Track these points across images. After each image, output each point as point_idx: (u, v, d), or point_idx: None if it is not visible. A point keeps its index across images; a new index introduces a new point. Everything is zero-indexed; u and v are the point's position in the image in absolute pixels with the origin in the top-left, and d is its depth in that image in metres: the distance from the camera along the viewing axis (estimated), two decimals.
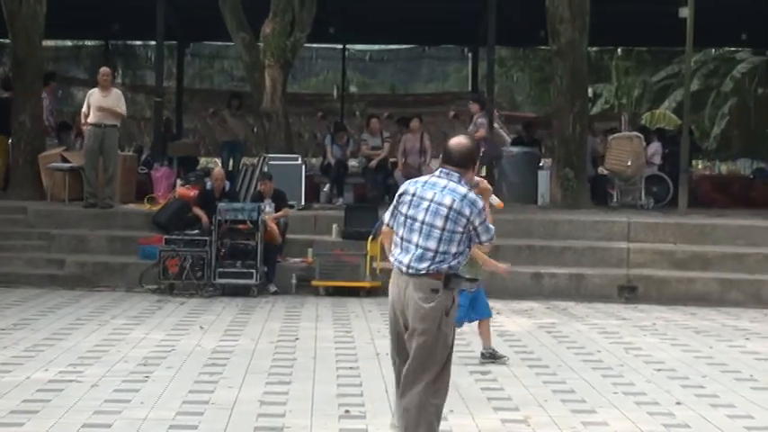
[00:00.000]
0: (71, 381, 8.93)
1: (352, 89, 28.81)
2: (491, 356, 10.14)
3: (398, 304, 6.53)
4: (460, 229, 6.40)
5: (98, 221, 16.63)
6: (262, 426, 7.58)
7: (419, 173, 19.36)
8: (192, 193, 16.61)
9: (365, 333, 11.80)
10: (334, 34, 22.98)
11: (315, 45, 25.69)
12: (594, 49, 27.64)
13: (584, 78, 19.09)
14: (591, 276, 15.03)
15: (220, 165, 21.01)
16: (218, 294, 14.60)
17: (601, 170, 20.54)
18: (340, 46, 26.57)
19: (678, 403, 8.52)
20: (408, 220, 6.50)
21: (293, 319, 12.84)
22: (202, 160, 24.48)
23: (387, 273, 14.81)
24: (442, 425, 6.82)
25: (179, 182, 18.03)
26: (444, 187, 6.46)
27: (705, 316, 13.57)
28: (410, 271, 6.43)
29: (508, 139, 25.59)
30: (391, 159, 19.91)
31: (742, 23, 22.46)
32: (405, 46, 27.98)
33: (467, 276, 9.53)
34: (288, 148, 18.71)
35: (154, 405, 8.13)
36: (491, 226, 6.57)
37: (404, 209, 6.54)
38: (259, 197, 15.87)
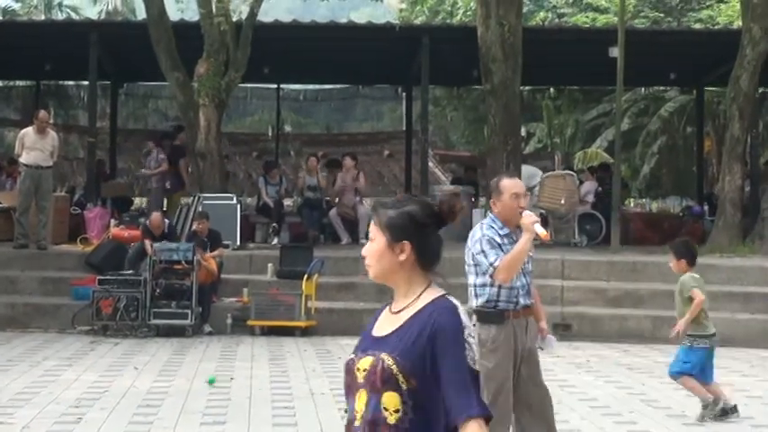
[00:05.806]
0: (1, 423, 8.81)
1: (287, 129, 28.72)
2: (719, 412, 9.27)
3: None
4: (472, 262, 6.73)
5: (29, 262, 16.46)
6: None
7: (354, 212, 19.42)
8: (127, 233, 16.51)
9: (300, 372, 11.77)
10: (268, 74, 23.00)
11: (249, 85, 25.69)
12: (527, 88, 27.89)
13: (518, 118, 19.25)
14: None
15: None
16: (152, 335, 14.51)
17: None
18: (274, 86, 26.60)
19: None
20: None
21: (228, 358, 12.78)
22: (136, 200, 24.33)
23: (321, 312, 14.94)
24: None
25: (113, 222, 17.90)
26: None
27: (638, 353, 13.69)
28: None
29: (444, 179, 25.73)
30: (326, 198, 19.94)
31: (671, 63, 22.81)
32: (339, 86, 28.08)
33: (705, 333, 9.17)
34: (223, 187, 18.68)
35: None
36: (483, 259, 6.66)
37: None
38: (195, 237, 15.81)
